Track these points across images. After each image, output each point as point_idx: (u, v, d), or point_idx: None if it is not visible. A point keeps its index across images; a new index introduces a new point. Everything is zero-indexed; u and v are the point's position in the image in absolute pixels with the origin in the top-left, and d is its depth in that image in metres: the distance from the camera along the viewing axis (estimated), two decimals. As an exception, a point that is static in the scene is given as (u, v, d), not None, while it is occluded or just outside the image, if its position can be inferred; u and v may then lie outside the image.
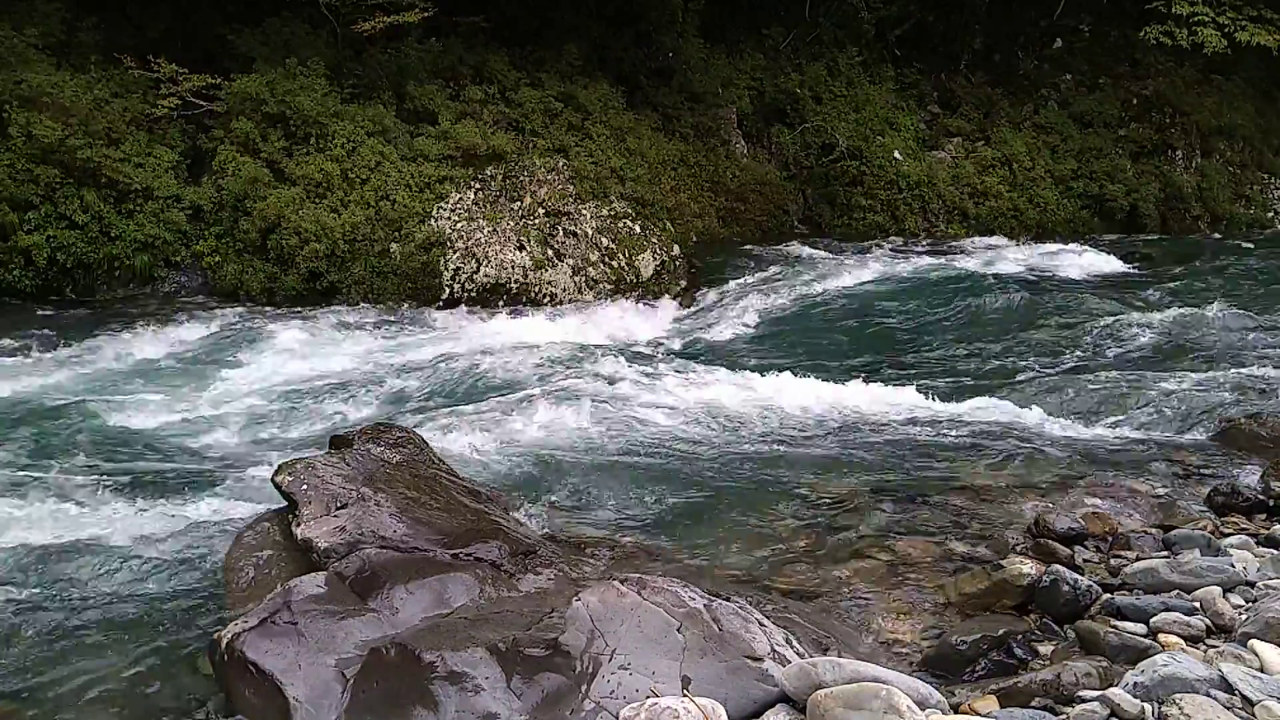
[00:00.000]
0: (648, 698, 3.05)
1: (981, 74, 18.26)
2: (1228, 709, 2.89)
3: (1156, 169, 17.52)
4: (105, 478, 6.12)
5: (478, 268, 11.41)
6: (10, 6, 11.72)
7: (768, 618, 3.66)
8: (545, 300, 11.41)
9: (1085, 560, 4.62)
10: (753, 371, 8.58)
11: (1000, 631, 3.99)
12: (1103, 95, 18.18)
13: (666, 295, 11.99)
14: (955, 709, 3.20)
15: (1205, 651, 3.49)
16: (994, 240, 15.63)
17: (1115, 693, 3.07)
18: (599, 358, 9.00)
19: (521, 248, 11.58)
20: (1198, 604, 3.90)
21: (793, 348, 10.06)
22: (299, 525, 4.40)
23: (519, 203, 12.01)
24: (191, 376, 8.63)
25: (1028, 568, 4.35)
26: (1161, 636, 3.71)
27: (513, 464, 6.35)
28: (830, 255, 13.43)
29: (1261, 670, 3.18)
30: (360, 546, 4.23)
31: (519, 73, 13.84)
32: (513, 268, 11.46)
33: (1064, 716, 3.12)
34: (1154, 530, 4.94)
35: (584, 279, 11.63)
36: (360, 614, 3.80)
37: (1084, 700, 3.15)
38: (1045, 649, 3.92)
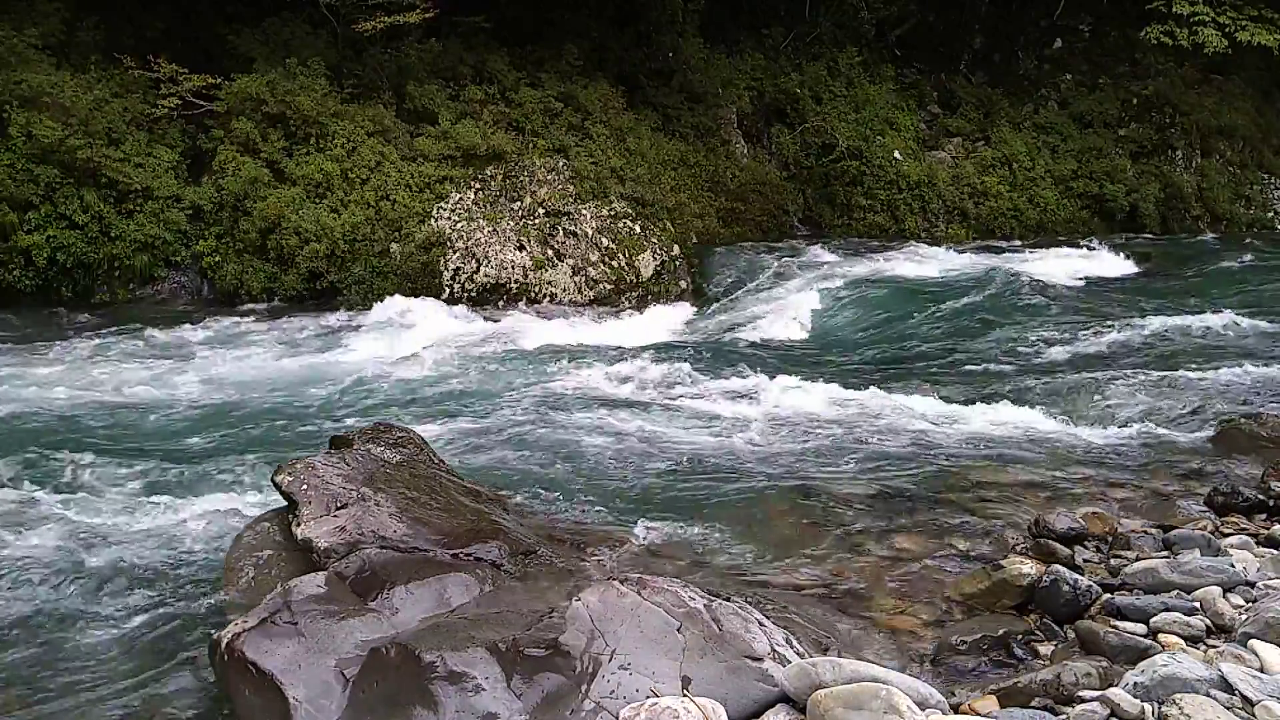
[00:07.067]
0: (648, 698, 3.05)
1: (981, 74, 18.28)
2: (1228, 709, 2.88)
3: (1156, 169, 17.53)
4: (105, 477, 6.12)
5: (478, 268, 11.41)
6: (10, 6, 11.73)
7: (768, 617, 3.66)
8: (545, 300, 11.42)
9: (1085, 560, 4.60)
10: (752, 371, 8.57)
11: (1000, 631, 3.98)
12: (1103, 95, 18.19)
13: (666, 295, 11.99)
14: (955, 709, 3.19)
15: (1205, 651, 3.49)
16: (994, 240, 15.64)
17: (1115, 693, 3.06)
18: (598, 358, 9.00)
19: (521, 248, 11.58)
20: (1198, 604, 3.89)
21: (792, 347, 10.07)
22: (299, 525, 4.39)
23: (519, 203, 12.01)
24: (190, 376, 8.63)
25: (1028, 568, 4.34)
26: (1161, 636, 3.70)
27: (513, 464, 6.34)
28: (830, 256, 13.42)
29: (1261, 670, 3.18)
30: (360, 546, 4.22)
31: (519, 73, 13.85)
32: (513, 268, 11.47)
33: (1064, 716, 3.12)
34: (1154, 530, 4.93)
35: (584, 279, 11.63)
36: (360, 614, 3.79)
37: (1084, 700, 3.15)
38: (1045, 649, 3.91)
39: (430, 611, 3.85)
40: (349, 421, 7.30)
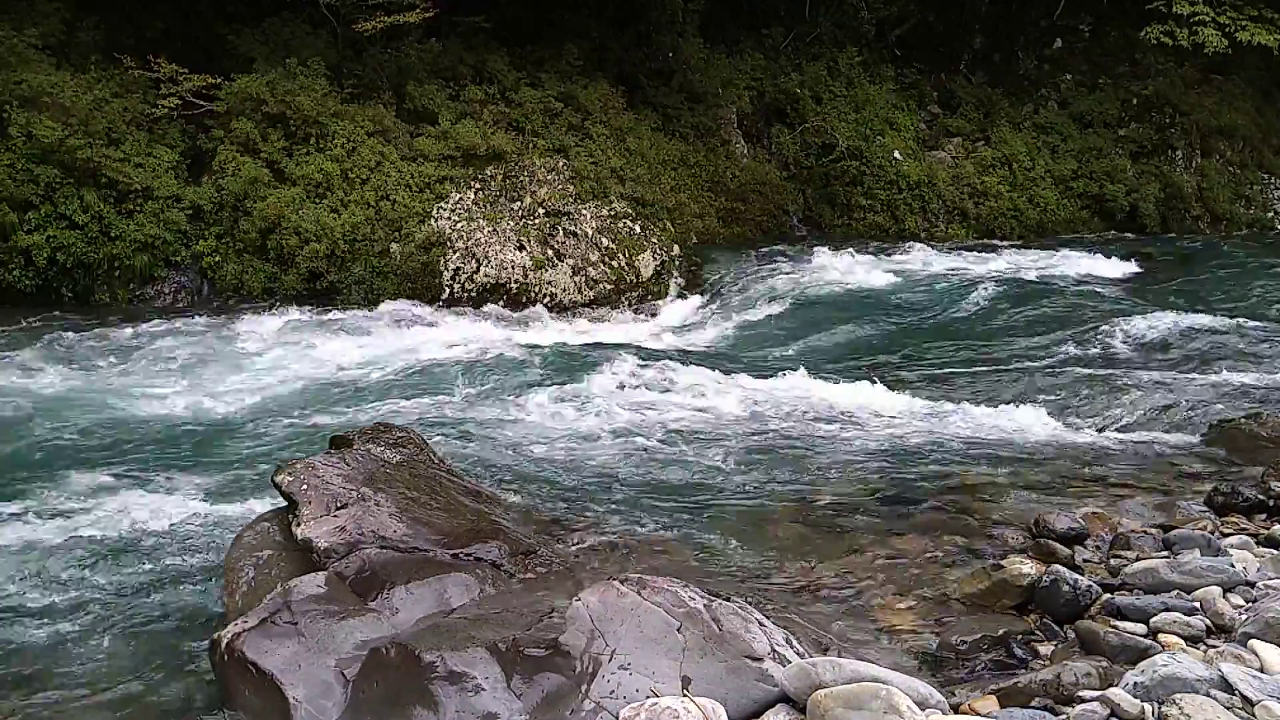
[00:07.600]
0: (648, 698, 3.05)
1: (981, 74, 18.27)
2: (1228, 709, 2.88)
3: (1156, 169, 17.51)
4: (105, 477, 6.12)
5: (478, 268, 11.41)
6: (10, 6, 11.72)
7: (768, 617, 3.66)
8: (545, 300, 11.42)
9: (1085, 560, 4.61)
10: (753, 372, 8.57)
11: (1000, 631, 3.98)
12: (1103, 95, 18.18)
13: (666, 295, 12.00)
14: (955, 709, 3.19)
15: (1205, 651, 3.49)
16: (994, 240, 15.63)
17: (1115, 693, 3.06)
18: (598, 357, 8.99)
19: (521, 248, 11.58)
20: (1198, 604, 3.89)
21: (793, 348, 10.07)
22: (299, 525, 4.39)
23: (519, 203, 12.01)
24: (190, 377, 8.63)
25: (1028, 568, 4.34)
26: (1161, 636, 3.71)
27: (513, 463, 6.34)
28: (829, 256, 13.41)
29: (1261, 670, 3.18)
30: (360, 546, 4.23)
31: (519, 73, 13.84)
32: (513, 268, 11.46)
33: (1064, 716, 3.12)
34: (1154, 530, 4.93)
35: (584, 279, 11.63)
36: (360, 614, 3.80)
37: (1084, 700, 3.15)
38: (1045, 649, 3.91)
39: (430, 611, 3.85)
40: (349, 421, 7.30)
